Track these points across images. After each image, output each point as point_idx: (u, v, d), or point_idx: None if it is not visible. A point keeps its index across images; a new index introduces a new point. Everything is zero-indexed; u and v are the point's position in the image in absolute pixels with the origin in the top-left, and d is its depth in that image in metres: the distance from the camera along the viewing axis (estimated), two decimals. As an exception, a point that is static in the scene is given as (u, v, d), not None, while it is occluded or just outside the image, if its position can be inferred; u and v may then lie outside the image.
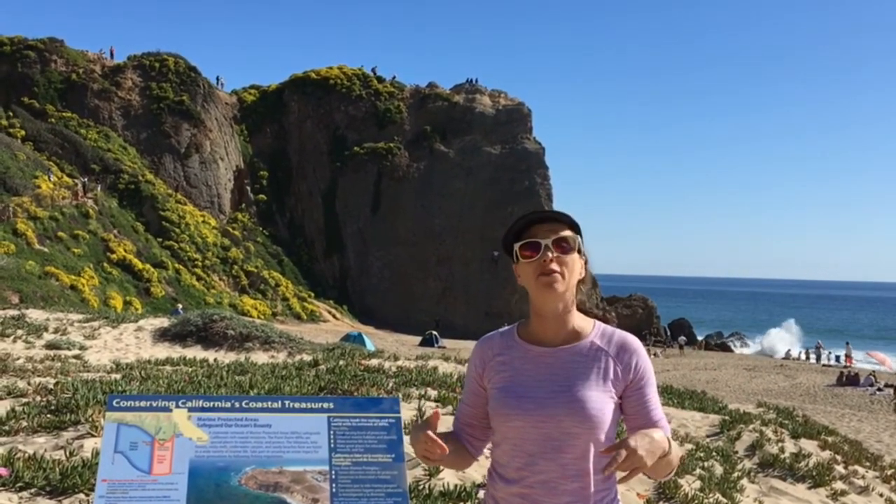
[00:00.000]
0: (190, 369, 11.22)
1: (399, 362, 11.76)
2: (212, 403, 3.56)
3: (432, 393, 8.80)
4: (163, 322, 17.99)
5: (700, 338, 77.42)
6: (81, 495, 5.46)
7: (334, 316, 70.31)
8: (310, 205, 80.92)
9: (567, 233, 2.78)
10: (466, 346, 52.07)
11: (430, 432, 2.72)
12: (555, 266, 2.72)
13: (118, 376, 10.33)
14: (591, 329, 2.84)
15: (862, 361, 57.94)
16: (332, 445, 3.46)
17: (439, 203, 77.72)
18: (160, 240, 61.90)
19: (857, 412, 31.59)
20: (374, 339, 47.91)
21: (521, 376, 2.82)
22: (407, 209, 78.08)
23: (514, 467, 2.80)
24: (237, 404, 3.58)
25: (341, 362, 11.24)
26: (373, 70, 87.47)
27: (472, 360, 3.09)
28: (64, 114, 71.73)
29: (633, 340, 2.82)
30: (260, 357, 14.95)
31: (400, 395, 8.61)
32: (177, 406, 3.54)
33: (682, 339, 68.75)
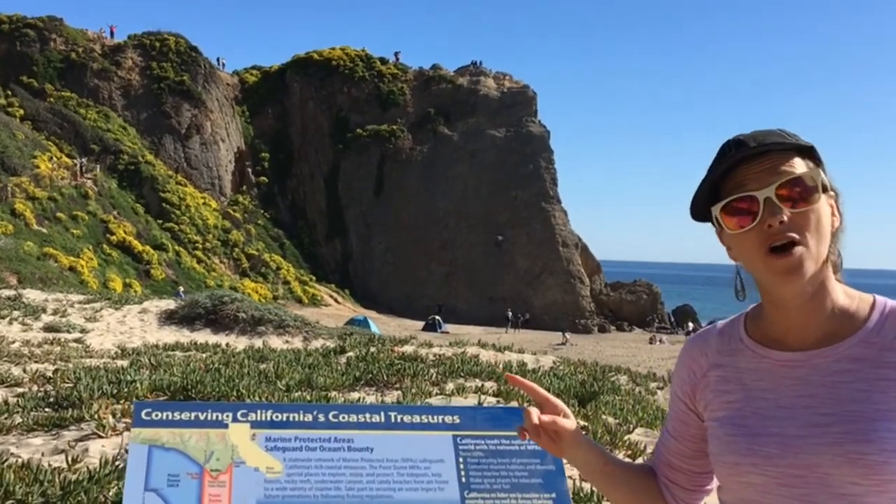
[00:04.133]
0: (203, 355, 10.16)
1: (434, 349, 10.69)
2: (285, 415, 2.49)
3: (489, 386, 7.72)
4: (169, 304, 16.95)
5: (705, 323, 76.54)
6: (88, 517, 4.38)
7: (336, 300, 69.48)
8: (312, 187, 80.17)
9: (798, 167, 1.65)
10: (470, 332, 51.13)
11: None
12: (791, 231, 1.61)
13: (125, 363, 9.29)
14: (869, 312, 1.69)
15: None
16: (465, 480, 2.38)
17: (443, 187, 76.83)
18: (160, 222, 61.20)
19: None
20: (378, 323, 46.98)
21: (755, 400, 1.71)
22: (410, 193, 77.22)
23: None
24: (321, 416, 2.51)
25: (371, 349, 10.15)
26: (395, 55, 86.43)
27: (677, 370, 1.93)
28: (63, 93, 70.85)
29: None
30: (274, 342, 13.90)
31: (451, 387, 7.53)
32: (234, 420, 2.45)
33: (689, 325, 67.83)
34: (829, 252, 1.67)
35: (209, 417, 2.46)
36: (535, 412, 1.85)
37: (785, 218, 1.60)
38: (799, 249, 1.59)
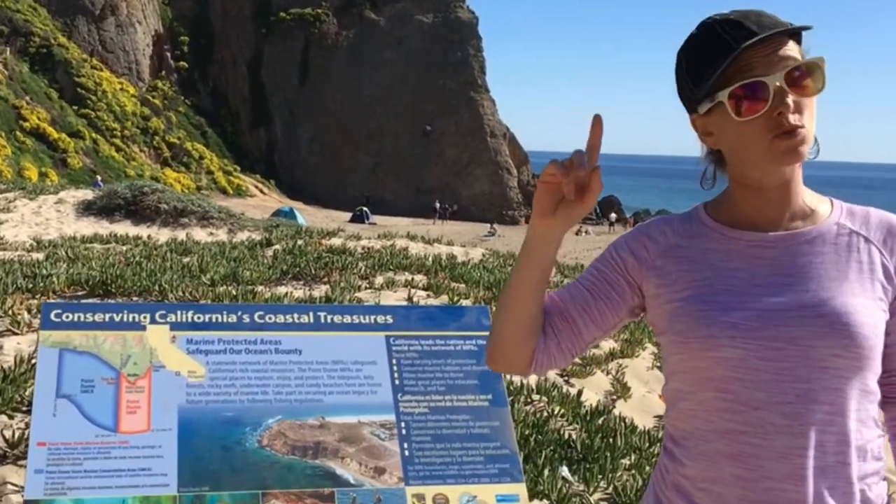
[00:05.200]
0: (124, 248, 9.86)
1: (362, 242, 10.55)
2: (207, 316, 2.36)
3: (419, 279, 7.64)
4: (86, 194, 16.38)
5: (629, 216, 77.85)
6: (3, 418, 4.22)
7: (261, 191, 68.61)
8: (234, 74, 78.07)
9: (797, 52, 1.63)
10: (398, 223, 51.11)
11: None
12: (796, 118, 1.59)
13: (40, 256, 8.96)
14: (831, 207, 1.73)
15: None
16: (398, 382, 2.30)
17: (369, 74, 75.46)
18: (76, 108, 59.14)
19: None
20: (304, 215, 46.55)
21: (726, 279, 1.67)
22: (336, 80, 75.73)
23: (721, 430, 1.63)
24: (246, 317, 2.38)
25: (299, 242, 9.97)
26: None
27: (618, 247, 1.83)
28: (-35, -30, 66.59)
29: None
30: (198, 234, 13.59)
31: (381, 281, 7.44)
32: (153, 321, 2.31)
33: (613, 216, 68.84)
34: None
35: (125, 319, 2.31)
36: (584, 155, 1.60)
37: (793, 104, 1.57)
38: (802, 132, 1.58)
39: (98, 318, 2.29)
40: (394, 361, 2.34)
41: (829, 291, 1.60)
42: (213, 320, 2.34)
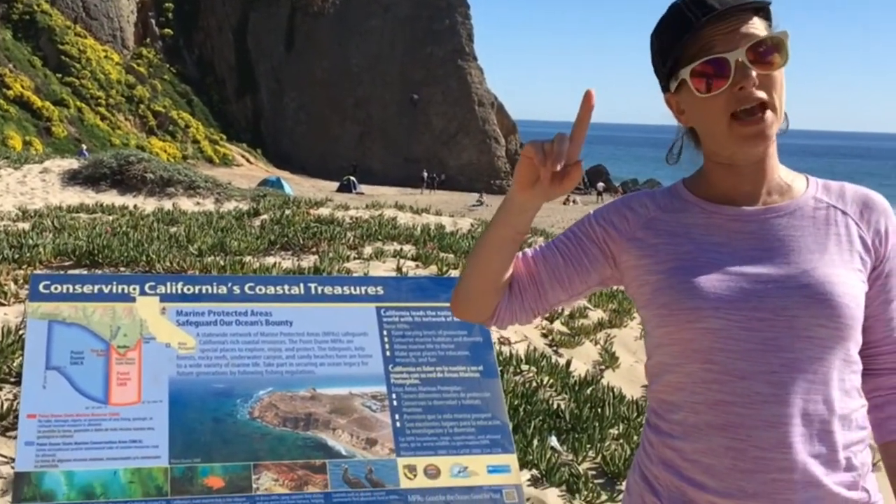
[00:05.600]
0: (110, 217, 9.80)
1: (350, 212, 10.52)
2: (197, 288, 2.35)
3: (408, 250, 7.63)
4: (72, 164, 16.23)
5: (617, 185, 77.85)
6: (-8, 389, 4.21)
7: (248, 160, 68.21)
8: (220, 41, 77.22)
9: (760, 28, 1.64)
10: (385, 193, 50.96)
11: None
12: (761, 93, 1.60)
13: (26, 226, 8.88)
14: (806, 183, 1.76)
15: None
16: (389, 353, 2.30)
17: (356, 42, 74.86)
18: (60, 76, 58.44)
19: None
20: (291, 184, 46.36)
21: (707, 252, 1.69)
22: (322, 48, 75.09)
23: (710, 401, 1.64)
24: (236, 288, 2.37)
25: (286, 212, 9.93)
26: None
27: (597, 216, 1.84)
28: (-56, -66, 65.45)
29: (879, 195, 1.76)
30: (185, 204, 13.50)
31: (370, 251, 7.42)
32: (142, 293, 2.30)
33: (601, 185, 68.80)
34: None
35: (114, 290, 2.30)
36: (566, 140, 1.60)
37: (757, 80, 1.59)
38: (769, 115, 1.60)
39: (87, 289, 2.28)
40: (385, 333, 2.34)
41: (810, 263, 1.63)
42: (203, 292, 2.33)
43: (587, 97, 1.60)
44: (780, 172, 1.72)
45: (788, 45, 1.65)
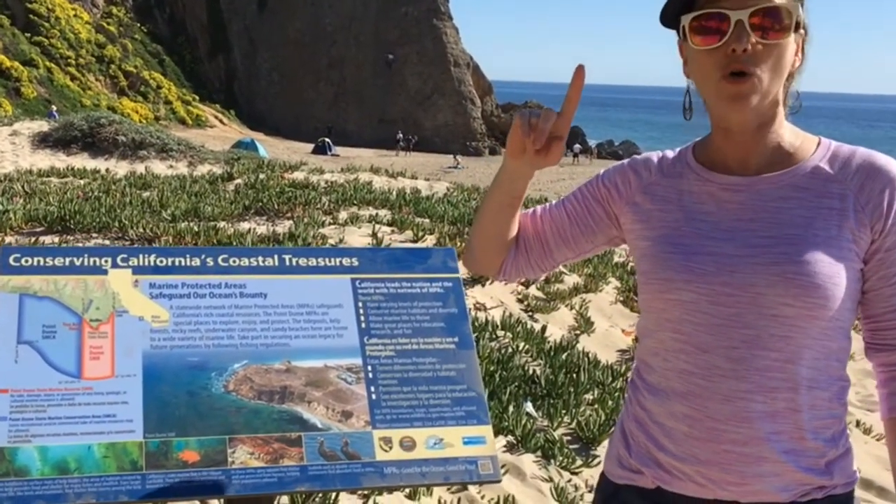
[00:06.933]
0: (82, 182, 9.69)
1: (325, 176, 10.45)
2: (170, 260, 2.33)
3: (383, 214, 7.60)
4: (42, 126, 16.00)
5: (593, 145, 77.83)
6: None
7: (221, 121, 67.60)
8: (191, 0, 75.86)
9: (789, 4, 1.58)
10: (361, 154, 50.72)
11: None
12: (751, 63, 1.57)
13: (-5, 191, 8.76)
14: (815, 148, 1.70)
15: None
16: (364, 325, 2.30)
17: (330, 1, 73.96)
18: (28, 35, 57.40)
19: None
20: (265, 146, 46.00)
21: (694, 221, 1.71)
22: (295, 7, 74.28)
23: (677, 370, 1.68)
24: (210, 260, 2.36)
25: (261, 176, 9.85)
26: None
27: (605, 177, 1.89)
28: None
29: (890, 163, 1.66)
30: (157, 167, 13.39)
31: (345, 216, 7.39)
32: (114, 265, 2.28)
33: (577, 147, 68.74)
34: (786, 91, 1.67)
35: (86, 263, 2.27)
36: (553, 116, 1.63)
37: (749, 46, 1.55)
38: (753, 83, 1.56)
39: (59, 262, 2.25)
40: (360, 304, 2.34)
41: (789, 239, 1.60)
42: (177, 264, 2.31)
43: (577, 73, 1.61)
44: (786, 138, 1.68)
45: (804, 21, 1.61)
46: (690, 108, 1.74)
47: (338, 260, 2.39)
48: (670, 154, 1.83)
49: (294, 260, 2.37)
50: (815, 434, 1.62)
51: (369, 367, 2.24)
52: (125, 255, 2.30)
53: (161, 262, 2.30)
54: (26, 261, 2.23)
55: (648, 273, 1.71)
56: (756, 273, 1.59)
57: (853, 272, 1.61)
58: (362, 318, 2.31)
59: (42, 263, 2.24)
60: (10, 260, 2.22)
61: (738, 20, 1.54)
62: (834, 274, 1.58)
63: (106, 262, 2.27)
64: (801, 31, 1.63)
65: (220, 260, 2.35)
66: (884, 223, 1.60)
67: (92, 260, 2.28)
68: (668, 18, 1.67)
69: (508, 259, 1.91)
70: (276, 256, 2.37)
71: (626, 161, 1.87)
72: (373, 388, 2.21)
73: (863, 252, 1.62)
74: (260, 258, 2.35)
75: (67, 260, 2.25)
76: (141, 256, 2.30)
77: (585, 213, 1.86)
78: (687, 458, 1.65)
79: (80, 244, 6.14)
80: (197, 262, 2.32)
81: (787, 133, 1.69)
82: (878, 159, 1.65)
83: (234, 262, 2.34)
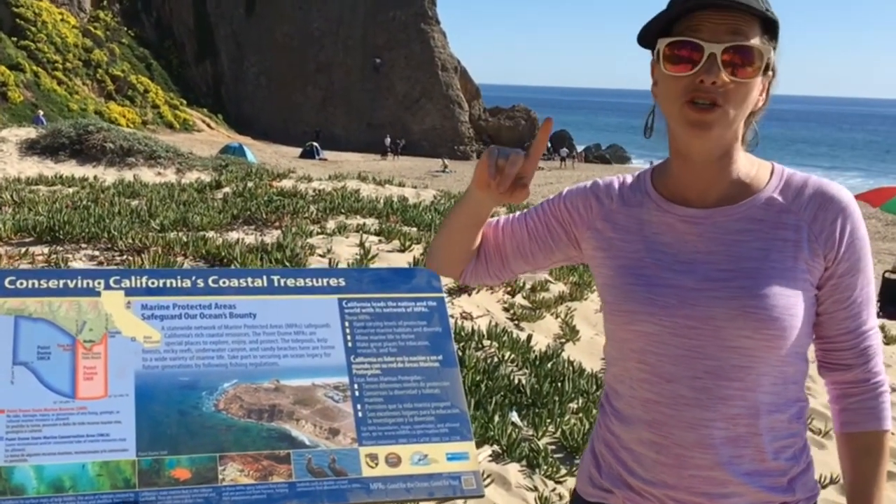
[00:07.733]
0: (70, 190, 9.71)
1: (313, 184, 10.50)
2: (161, 281, 2.39)
3: (371, 223, 7.66)
4: (29, 133, 15.98)
5: (580, 149, 78.00)
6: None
7: (209, 125, 67.47)
8: (178, 4, 76.09)
9: (754, 37, 1.63)
10: (349, 159, 50.76)
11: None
12: (718, 96, 1.62)
13: (-16, 200, 8.77)
14: (769, 177, 1.75)
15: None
16: (351, 345, 2.36)
17: (317, 5, 74.05)
18: (15, 39, 57.24)
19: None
20: (253, 150, 45.95)
21: (654, 252, 1.76)
22: (284, 11, 74.20)
23: (642, 398, 1.76)
24: (200, 282, 2.42)
25: (249, 184, 9.89)
26: None
27: (567, 198, 1.94)
28: None
29: (840, 192, 1.72)
30: (145, 174, 13.41)
31: (333, 226, 7.45)
32: (107, 287, 2.33)
33: (564, 150, 68.93)
34: (746, 126, 1.73)
35: (79, 285, 2.33)
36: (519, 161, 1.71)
37: (718, 80, 1.60)
38: (716, 116, 1.60)
39: (53, 284, 2.31)
40: (346, 324, 2.39)
41: (746, 273, 1.65)
42: (168, 285, 2.37)
43: (545, 125, 1.70)
44: (742, 170, 1.72)
45: (774, 64, 1.67)
46: (652, 128, 1.79)
47: (325, 280, 2.45)
48: (629, 180, 1.87)
49: (283, 281, 2.43)
50: (776, 454, 1.70)
51: (356, 386, 2.30)
52: (118, 277, 2.36)
53: (153, 283, 2.36)
54: (21, 283, 2.29)
55: (612, 304, 1.77)
56: (716, 306, 1.65)
57: (809, 299, 1.67)
58: (349, 337, 2.37)
59: (37, 286, 2.30)
60: (6, 283, 2.28)
61: (711, 53, 1.59)
62: (791, 305, 1.64)
63: (99, 283, 2.33)
64: (770, 73, 1.68)
65: (210, 281, 2.40)
66: (836, 251, 1.67)
67: (85, 282, 2.34)
68: (646, 39, 1.73)
69: (469, 267, 2.03)
70: (265, 277, 2.43)
71: (588, 184, 1.92)
72: (359, 406, 2.27)
73: (816, 279, 1.68)
74: (249, 279, 2.41)
75: (61, 282, 2.31)
76: (133, 278, 2.36)
77: (545, 231, 1.93)
78: (656, 482, 1.72)
79: (70, 255, 6.19)
80: (188, 283, 2.38)
81: (744, 163, 1.73)
82: (829, 189, 1.70)
83: (224, 283, 2.40)
